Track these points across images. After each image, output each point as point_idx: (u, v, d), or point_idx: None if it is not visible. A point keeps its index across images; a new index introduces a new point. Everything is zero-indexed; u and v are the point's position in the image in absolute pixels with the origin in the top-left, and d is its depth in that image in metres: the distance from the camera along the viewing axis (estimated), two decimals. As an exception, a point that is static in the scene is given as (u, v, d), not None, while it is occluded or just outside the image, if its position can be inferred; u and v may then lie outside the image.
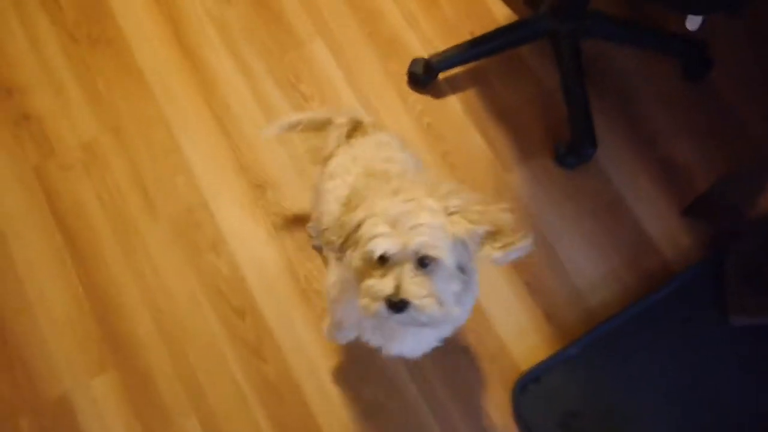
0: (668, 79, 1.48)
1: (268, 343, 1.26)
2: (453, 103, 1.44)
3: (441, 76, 1.44)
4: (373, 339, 0.93)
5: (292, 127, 1.04)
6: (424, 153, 1.39)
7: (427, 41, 1.49)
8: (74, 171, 1.37)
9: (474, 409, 1.22)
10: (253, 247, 1.33)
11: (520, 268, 1.31)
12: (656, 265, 1.33)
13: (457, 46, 1.41)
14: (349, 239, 0.76)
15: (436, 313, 0.71)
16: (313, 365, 1.25)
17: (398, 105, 1.44)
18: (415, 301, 0.70)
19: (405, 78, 1.46)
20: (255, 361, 1.25)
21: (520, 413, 1.19)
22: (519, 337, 1.27)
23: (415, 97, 1.45)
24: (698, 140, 1.43)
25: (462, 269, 0.75)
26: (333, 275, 0.95)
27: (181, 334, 1.26)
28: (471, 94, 1.45)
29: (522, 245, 0.73)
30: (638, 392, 1.19)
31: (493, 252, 0.73)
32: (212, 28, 1.49)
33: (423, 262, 0.71)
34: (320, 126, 1.03)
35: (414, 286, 0.70)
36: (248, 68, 1.46)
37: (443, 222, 0.71)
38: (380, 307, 0.71)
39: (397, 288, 0.69)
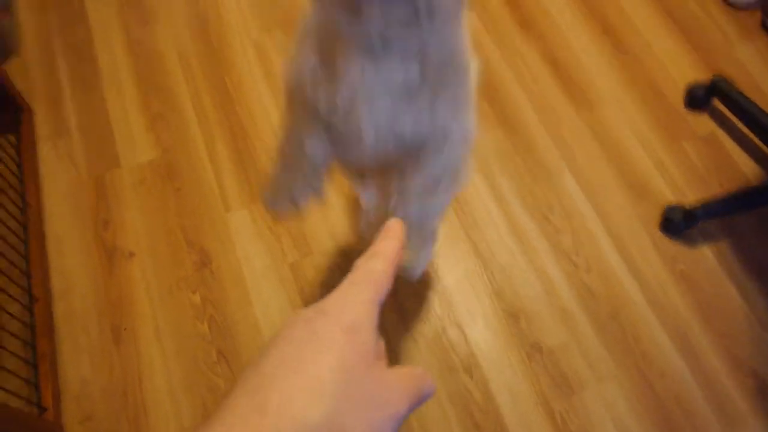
0: None
1: (522, 481, 1.22)
2: (706, 253, 1.44)
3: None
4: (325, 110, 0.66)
5: None
6: (676, 299, 1.38)
7: (677, 189, 1.51)
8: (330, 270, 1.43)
9: None
10: (507, 376, 1.32)
11: None
12: None
13: (722, 199, 1.42)
14: None
15: None
16: None
17: (650, 248, 1.44)
18: None
19: (656, 222, 1.47)
20: (508, 499, 1.21)
21: None
22: None
23: (666, 243, 1.45)
24: None
25: None
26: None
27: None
28: (724, 246, 1.44)
29: None
30: None
31: None
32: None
33: None
34: None
35: None
36: (500, 193, 1.51)
37: None
38: None
39: None
